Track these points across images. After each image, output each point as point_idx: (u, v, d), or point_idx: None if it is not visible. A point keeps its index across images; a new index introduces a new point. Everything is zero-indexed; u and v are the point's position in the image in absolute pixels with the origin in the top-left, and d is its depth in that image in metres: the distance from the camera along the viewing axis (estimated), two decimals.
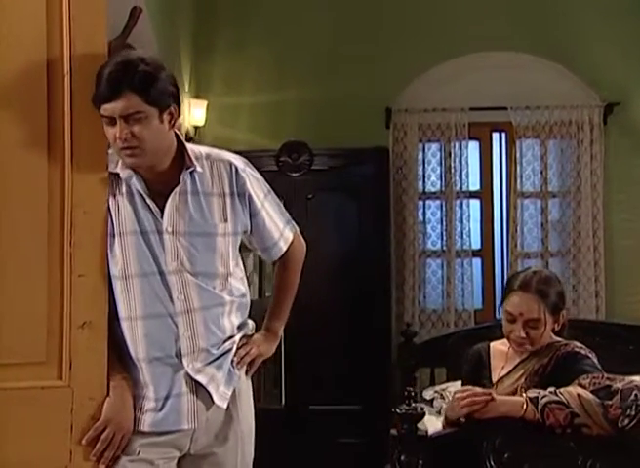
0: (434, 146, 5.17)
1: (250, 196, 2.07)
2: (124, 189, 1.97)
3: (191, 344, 1.97)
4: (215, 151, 2.10)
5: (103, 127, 1.89)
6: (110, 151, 1.96)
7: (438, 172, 5.15)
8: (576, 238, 5.05)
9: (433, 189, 5.17)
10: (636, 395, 2.02)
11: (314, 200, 4.71)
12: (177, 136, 2.01)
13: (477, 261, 5.18)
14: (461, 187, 5.10)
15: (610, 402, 2.04)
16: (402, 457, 2.12)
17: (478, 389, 2.23)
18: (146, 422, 1.96)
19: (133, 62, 1.85)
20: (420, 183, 5.14)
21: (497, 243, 5.22)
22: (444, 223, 5.13)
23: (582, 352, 2.50)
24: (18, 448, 1.90)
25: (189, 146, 2.03)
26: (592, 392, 2.09)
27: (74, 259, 1.94)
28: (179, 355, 1.97)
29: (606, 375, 2.19)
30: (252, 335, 2.14)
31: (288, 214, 2.22)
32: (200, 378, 1.98)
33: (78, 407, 1.93)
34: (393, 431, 2.16)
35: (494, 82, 5.05)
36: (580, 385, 2.14)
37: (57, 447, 1.92)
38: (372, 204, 4.75)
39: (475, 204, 5.19)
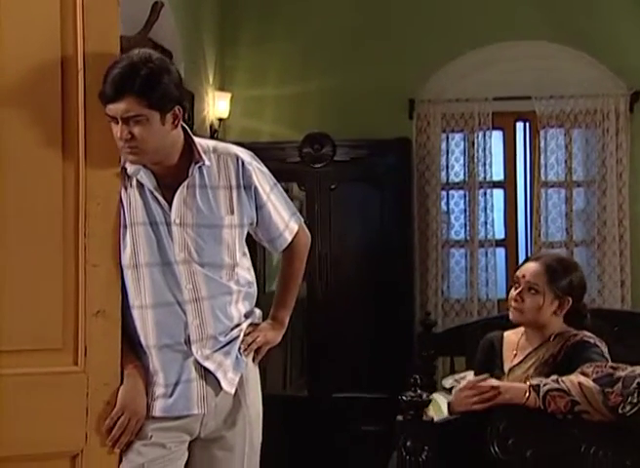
0: (457, 136, 5.16)
1: (256, 188, 2.11)
2: (134, 182, 2.02)
3: (200, 332, 2.03)
4: (221, 145, 2.14)
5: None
6: None
7: (461, 162, 5.15)
8: (601, 227, 5.01)
9: (456, 179, 5.17)
10: (638, 383, 2.03)
11: (337, 191, 4.74)
12: (185, 130, 2.06)
13: (501, 251, 5.17)
14: (485, 177, 5.09)
15: (611, 389, 2.06)
16: (408, 443, 2.15)
17: (483, 384, 2.24)
18: (157, 408, 2.02)
19: (136, 66, 1.88)
20: (444, 173, 5.14)
21: (520, 232, 5.20)
22: (467, 213, 5.13)
23: (591, 341, 2.50)
24: (35, 430, 1.96)
25: (197, 140, 2.08)
26: (594, 380, 2.10)
27: (88, 250, 1.99)
28: (188, 342, 2.02)
29: (610, 364, 2.20)
30: (258, 324, 2.19)
31: (293, 206, 2.26)
32: (208, 365, 2.03)
33: (93, 392, 1.99)
34: (399, 417, 2.20)
35: (518, 71, 5.01)
36: (583, 373, 2.15)
37: (73, 430, 1.98)
38: (395, 194, 4.76)
39: (499, 193, 5.18)
